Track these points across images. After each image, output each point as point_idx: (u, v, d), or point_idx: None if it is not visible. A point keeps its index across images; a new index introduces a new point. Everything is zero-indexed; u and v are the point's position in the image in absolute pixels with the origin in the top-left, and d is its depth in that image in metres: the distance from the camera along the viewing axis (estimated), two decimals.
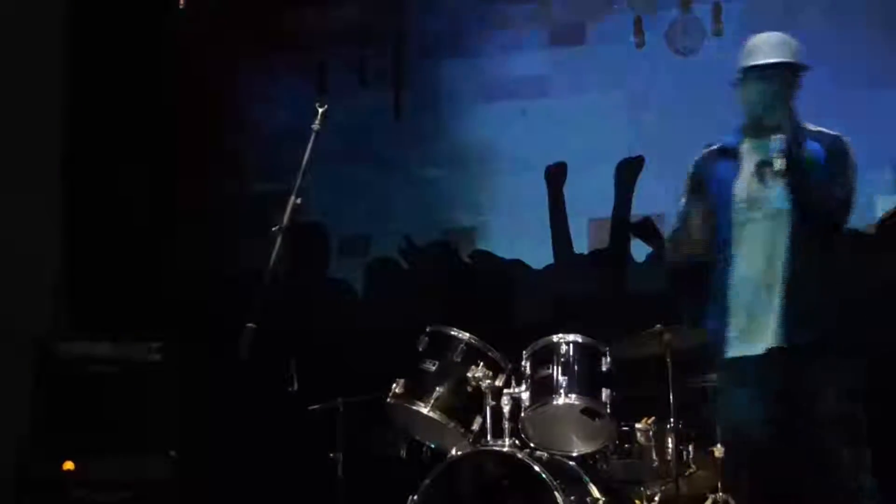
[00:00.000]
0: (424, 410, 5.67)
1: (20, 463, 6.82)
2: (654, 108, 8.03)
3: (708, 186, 5.13)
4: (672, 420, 5.74)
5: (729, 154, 5.13)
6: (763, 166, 4.99)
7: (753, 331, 4.97)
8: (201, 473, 7.10)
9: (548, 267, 8.11)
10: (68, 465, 6.73)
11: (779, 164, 4.84)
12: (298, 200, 4.92)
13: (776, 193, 4.95)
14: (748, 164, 5.07)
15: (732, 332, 5.02)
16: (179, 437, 6.98)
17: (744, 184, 5.05)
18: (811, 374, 4.88)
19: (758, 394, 4.94)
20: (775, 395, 4.92)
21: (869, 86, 7.45)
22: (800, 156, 4.88)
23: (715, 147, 5.21)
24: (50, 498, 6.72)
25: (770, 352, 4.93)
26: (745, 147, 5.11)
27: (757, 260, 4.98)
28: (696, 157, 5.25)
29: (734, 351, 5.02)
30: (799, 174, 4.86)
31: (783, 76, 5.05)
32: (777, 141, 4.87)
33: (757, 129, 5.06)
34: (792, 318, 4.90)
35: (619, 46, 8.11)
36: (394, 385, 5.77)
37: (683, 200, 5.22)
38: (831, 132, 5.10)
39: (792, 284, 4.90)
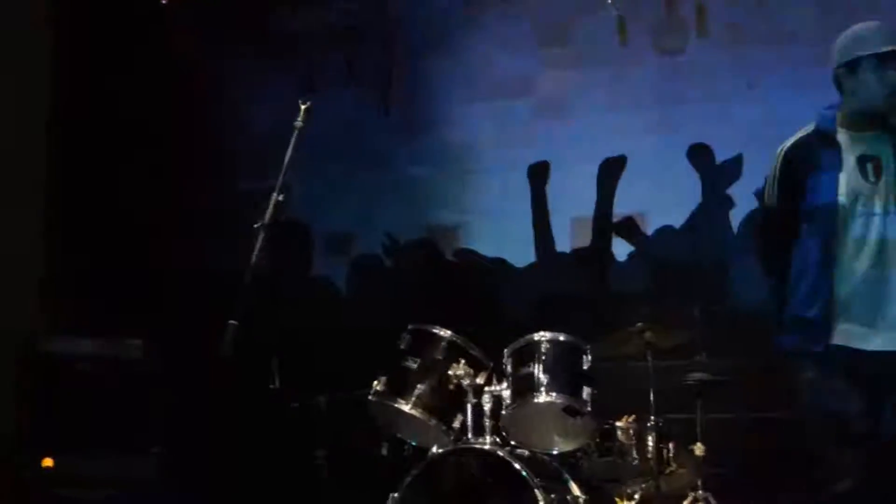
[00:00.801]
0: (406, 408, 5.68)
1: (4, 460, 6.81)
2: (637, 108, 8.05)
3: (805, 173, 4.86)
4: (653, 418, 5.76)
5: (828, 141, 4.85)
6: (866, 161, 4.79)
7: (863, 325, 4.75)
8: (185, 471, 7.11)
9: (530, 265, 8.13)
10: (47, 462, 6.73)
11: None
12: (281, 197, 4.94)
13: (882, 190, 4.76)
14: (849, 156, 4.82)
15: (841, 325, 4.76)
16: (163, 434, 6.99)
17: (846, 176, 4.79)
18: None
19: (859, 388, 4.72)
20: (875, 393, 4.73)
21: None
22: None
23: (811, 131, 4.93)
24: (35, 495, 6.72)
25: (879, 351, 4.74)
26: (843, 137, 4.85)
27: (864, 255, 4.76)
28: (793, 140, 4.95)
29: (840, 340, 4.77)
30: None
31: None
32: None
33: (862, 120, 4.84)
34: None
35: (603, 46, 8.13)
36: (375, 382, 5.78)
37: (775, 187, 4.98)
38: None
39: None
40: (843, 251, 4.76)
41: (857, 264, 4.74)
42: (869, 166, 4.78)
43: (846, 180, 4.77)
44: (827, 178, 4.78)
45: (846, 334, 4.73)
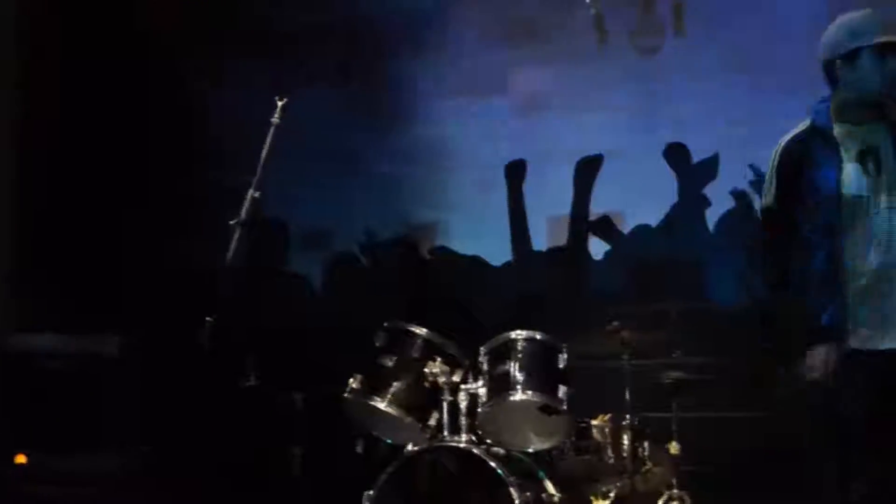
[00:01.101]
0: (381, 406, 5.66)
1: None
2: (614, 107, 8.07)
3: (804, 170, 4.72)
4: (628, 417, 5.77)
5: (825, 137, 4.73)
6: (866, 155, 4.68)
7: (877, 325, 4.63)
8: (161, 468, 7.08)
9: (506, 264, 8.14)
10: (20, 459, 6.69)
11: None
12: (257, 194, 4.93)
13: (884, 185, 4.65)
14: (848, 151, 4.70)
15: (855, 327, 4.63)
16: (139, 431, 6.96)
17: (847, 172, 4.66)
18: None
19: (871, 389, 4.61)
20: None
21: None
22: None
23: (807, 126, 4.80)
24: (9, 492, 6.68)
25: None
26: (839, 131, 4.74)
27: (872, 253, 4.63)
28: (789, 136, 4.82)
29: (856, 343, 4.64)
30: None
31: None
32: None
33: (858, 112, 4.74)
34: None
35: (580, 44, 8.14)
36: (351, 380, 5.77)
37: (773, 185, 4.82)
38: None
39: None
40: (849, 250, 4.65)
41: (864, 263, 4.63)
42: (869, 160, 4.67)
43: (847, 176, 4.66)
44: (827, 174, 4.68)
45: (861, 337, 4.62)
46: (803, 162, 4.73)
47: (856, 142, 4.71)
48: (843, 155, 4.69)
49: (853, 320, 4.62)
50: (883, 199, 4.65)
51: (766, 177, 4.89)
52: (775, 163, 4.82)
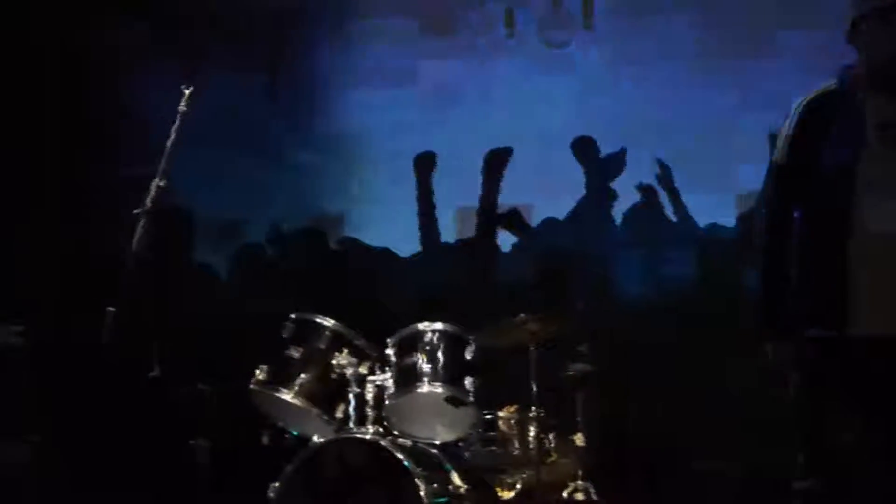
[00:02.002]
0: (288, 397, 5.65)
1: None
2: (523, 100, 8.11)
3: (823, 132, 4.33)
4: (534, 408, 5.80)
5: (849, 102, 4.32)
6: (886, 127, 4.23)
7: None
8: (61, 458, 6.99)
9: (415, 255, 8.14)
10: None
11: None
12: (163, 183, 4.87)
13: None
14: (869, 121, 4.27)
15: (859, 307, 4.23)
16: (39, 422, 6.86)
17: (867, 143, 4.26)
18: None
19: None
20: None
21: None
22: None
23: (833, 88, 4.39)
24: None
25: None
26: (862, 98, 4.31)
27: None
28: (814, 93, 4.41)
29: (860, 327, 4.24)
30: None
31: None
32: None
33: (882, 81, 4.26)
34: None
35: (489, 37, 8.17)
36: (257, 371, 5.74)
37: (789, 141, 4.41)
38: None
39: None
40: (857, 224, 4.22)
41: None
42: (890, 133, 4.25)
43: (866, 147, 4.25)
44: (846, 141, 4.27)
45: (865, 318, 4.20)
46: (825, 123, 4.33)
47: (879, 113, 4.28)
48: (867, 125, 4.27)
49: (857, 301, 4.21)
50: None
51: (781, 133, 4.47)
52: (795, 118, 4.40)
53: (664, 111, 7.79)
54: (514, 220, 8.03)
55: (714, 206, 7.81)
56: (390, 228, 8.17)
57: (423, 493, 5.28)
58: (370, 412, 5.63)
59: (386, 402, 5.65)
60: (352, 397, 5.65)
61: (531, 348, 5.83)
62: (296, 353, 5.73)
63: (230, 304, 8.06)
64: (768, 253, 4.43)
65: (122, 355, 4.75)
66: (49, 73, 8.22)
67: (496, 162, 8.00)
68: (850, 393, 4.26)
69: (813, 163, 4.30)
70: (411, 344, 5.74)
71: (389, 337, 5.82)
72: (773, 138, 7.19)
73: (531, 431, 5.80)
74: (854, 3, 4.32)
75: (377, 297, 7.86)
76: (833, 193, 4.26)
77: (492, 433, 5.87)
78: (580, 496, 5.92)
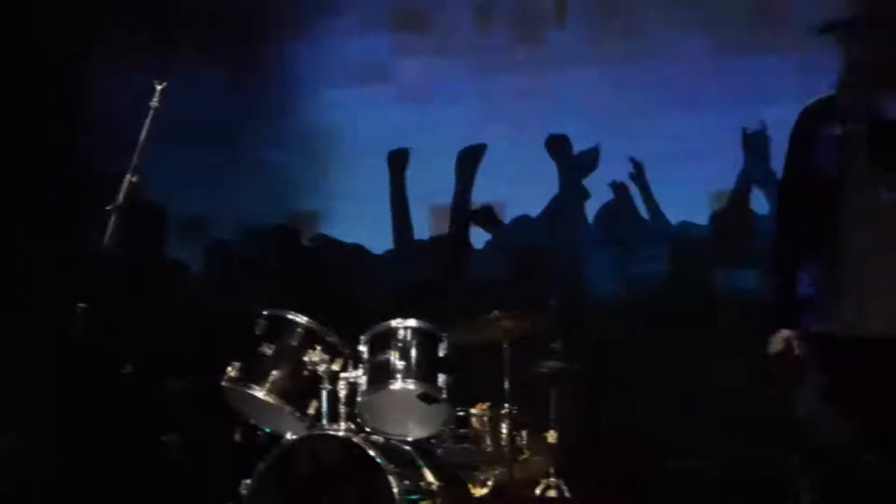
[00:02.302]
0: (260, 394, 5.63)
1: None
2: (497, 97, 8.11)
3: (812, 148, 4.37)
4: (507, 406, 5.80)
5: (835, 114, 4.36)
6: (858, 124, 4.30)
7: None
8: (31, 456, 6.96)
9: (388, 252, 8.14)
10: None
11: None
12: (134, 179, 4.85)
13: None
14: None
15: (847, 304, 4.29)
16: (9, 419, 6.83)
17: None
18: None
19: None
20: None
21: None
22: None
23: (821, 98, 4.44)
24: None
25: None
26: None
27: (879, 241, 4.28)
28: (813, 100, 4.45)
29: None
30: None
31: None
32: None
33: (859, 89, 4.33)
34: None
35: (462, 34, 8.17)
36: (229, 368, 5.72)
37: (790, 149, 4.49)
38: None
39: None
40: (848, 223, 4.28)
41: (862, 238, 4.27)
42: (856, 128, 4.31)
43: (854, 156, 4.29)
44: (833, 152, 4.33)
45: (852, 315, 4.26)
46: (819, 127, 4.39)
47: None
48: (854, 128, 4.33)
49: (849, 298, 4.28)
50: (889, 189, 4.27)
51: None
52: (795, 127, 4.48)
53: (637, 109, 7.80)
54: (487, 217, 8.03)
55: (686, 203, 7.83)
56: (363, 225, 8.17)
57: (395, 490, 5.27)
58: (343, 409, 5.61)
59: (358, 398, 5.64)
60: (324, 394, 5.64)
61: (504, 345, 5.83)
62: (268, 350, 5.71)
63: (202, 300, 8.04)
64: (778, 247, 4.52)
65: (93, 351, 4.72)
66: (17, 68, 8.17)
67: (469, 159, 8.01)
68: (849, 392, 4.27)
69: (814, 166, 4.36)
70: (384, 341, 5.73)
71: (362, 334, 5.81)
72: (746, 137, 7.32)
73: (504, 428, 5.80)
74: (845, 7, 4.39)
75: (350, 294, 7.86)
76: (833, 193, 4.32)
77: (464, 430, 5.86)
78: (552, 493, 5.92)
